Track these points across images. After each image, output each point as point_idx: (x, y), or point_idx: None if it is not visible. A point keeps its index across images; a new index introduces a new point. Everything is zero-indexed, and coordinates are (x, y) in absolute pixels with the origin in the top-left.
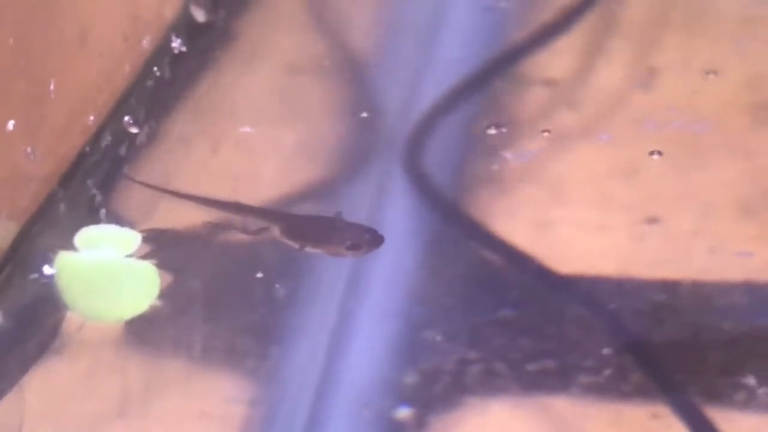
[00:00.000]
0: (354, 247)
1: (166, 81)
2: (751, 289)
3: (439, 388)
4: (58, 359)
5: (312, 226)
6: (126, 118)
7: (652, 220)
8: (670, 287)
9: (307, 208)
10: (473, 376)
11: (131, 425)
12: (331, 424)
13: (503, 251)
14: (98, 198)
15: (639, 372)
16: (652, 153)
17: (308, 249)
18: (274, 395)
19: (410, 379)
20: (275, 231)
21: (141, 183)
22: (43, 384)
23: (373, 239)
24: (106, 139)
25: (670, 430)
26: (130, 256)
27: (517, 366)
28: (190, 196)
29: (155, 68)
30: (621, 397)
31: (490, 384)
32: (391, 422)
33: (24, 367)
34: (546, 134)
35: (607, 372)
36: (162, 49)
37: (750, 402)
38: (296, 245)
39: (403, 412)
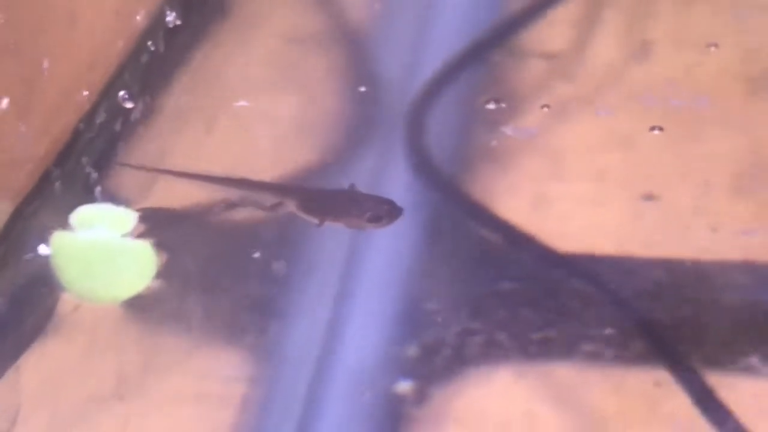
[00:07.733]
0: (374, 219)
1: (160, 55)
2: (751, 267)
3: (441, 360)
4: (54, 340)
5: (330, 199)
6: (121, 93)
7: (650, 197)
8: (669, 267)
9: (307, 184)
10: (475, 346)
11: (129, 406)
12: (331, 398)
13: (503, 231)
14: (93, 176)
15: (641, 340)
16: (653, 129)
17: (327, 222)
18: (273, 371)
19: (411, 351)
20: (291, 206)
21: (148, 169)
22: (40, 365)
23: (393, 210)
24: (101, 117)
25: (672, 397)
26: (127, 235)
27: (519, 335)
28: (203, 176)
29: (149, 43)
30: (623, 365)
31: (492, 354)
32: (393, 395)
33: (20, 348)
34: (545, 109)
35: (610, 339)
36: (156, 24)
37: (751, 370)
38: (315, 219)
39: (404, 385)
